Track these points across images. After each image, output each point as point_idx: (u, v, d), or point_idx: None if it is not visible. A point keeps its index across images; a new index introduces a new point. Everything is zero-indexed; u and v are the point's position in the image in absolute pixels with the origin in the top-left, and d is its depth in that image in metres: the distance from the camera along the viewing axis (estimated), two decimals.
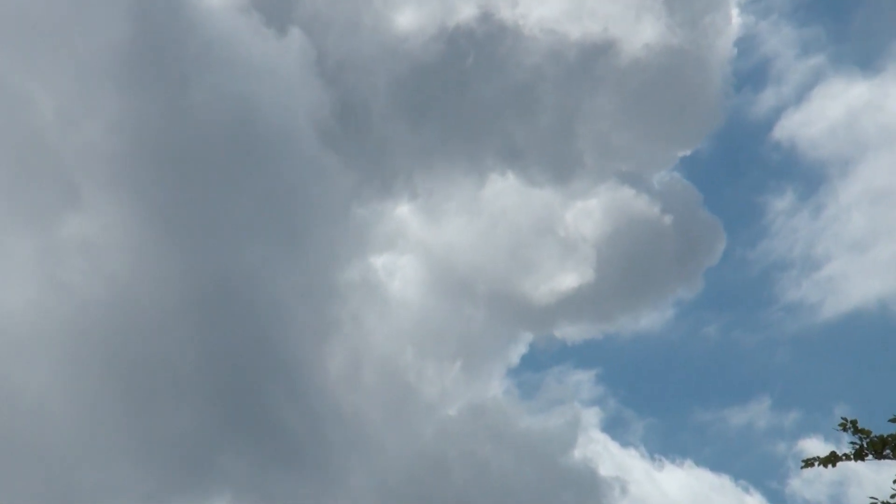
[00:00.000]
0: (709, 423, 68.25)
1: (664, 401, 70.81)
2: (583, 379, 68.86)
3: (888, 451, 16.11)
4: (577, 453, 52.62)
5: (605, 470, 54.15)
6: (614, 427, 67.84)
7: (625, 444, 64.62)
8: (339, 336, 50.49)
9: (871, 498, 15.75)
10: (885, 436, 16.06)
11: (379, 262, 56.17)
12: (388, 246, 57.10)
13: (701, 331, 71.74)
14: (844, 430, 16.18)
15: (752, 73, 75.23)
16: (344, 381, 50.09)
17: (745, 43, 72.91)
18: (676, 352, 72.03)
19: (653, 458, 62.02)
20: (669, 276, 58.26)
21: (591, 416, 64.89)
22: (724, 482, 61.80)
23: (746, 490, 61.33)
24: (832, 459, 16.34)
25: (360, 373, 51.09)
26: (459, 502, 49.23)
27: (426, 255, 58.37)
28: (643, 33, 55.96)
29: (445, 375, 54.33)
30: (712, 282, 68.47)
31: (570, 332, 60.44)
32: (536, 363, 69.41)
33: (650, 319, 68.72)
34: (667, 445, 70.99)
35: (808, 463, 16.29)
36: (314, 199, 51.45)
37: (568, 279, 55.60)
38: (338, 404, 49.03)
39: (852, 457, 16.25)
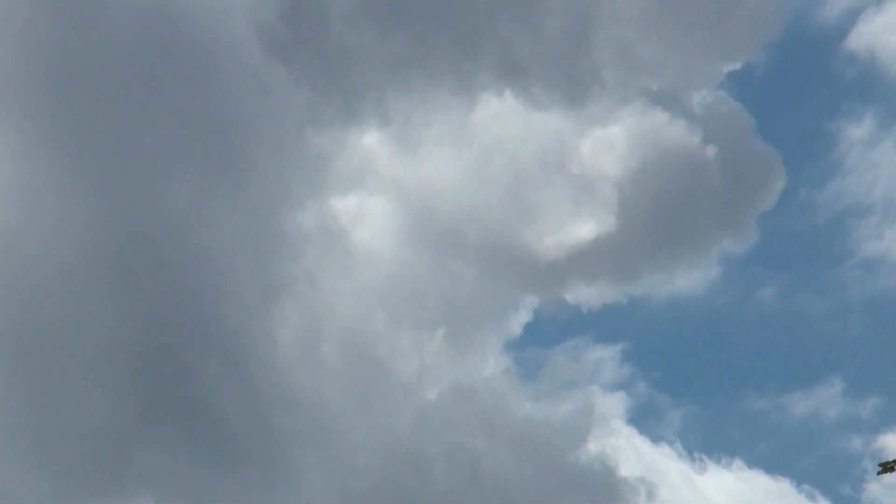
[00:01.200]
0: (764, 412, 67.17)
1: (707, 384, 69.61)
2: (604, 356, 67.69)
3: None
4: (592, 448, 52.29)
5: (626, 469, 53.43)
6: (644, 418, 66.84)
7: (656, 439, 62.80)
8: (291, 299, 50.41)
9: None
10: None
11: (341, 204, 55.45)
12: (352, 184, 56.37)
13: (754, 294, 70.59)
14: None
15: None
16: (297, 356, 50.13)
17: None
18: (723, 321, 70.81)
19: (692, 458, 61.41)
20: (713, 223, 57.98)
21: (615, 403, 64.25)
22: (782, 487, 61.10)
23: (811, 497, 60.87)
24: None
25: (318, 346, 50.97)
26: None
27: (401, 195, 57.69)
28: None
29: (425, 349, 53.66)
30: (768, 231, 67.65)
31: (586, 295, 59.71)
32: (543, 335, 67.63)
33: (689, 280, 67.62)
34: (710, 441, 68.32)
35: (887, 467, 15.46)
36: (258, 124, 51.63)
37: (583, 228, 55.12)
38: (289, 386, 49.06)
39: None
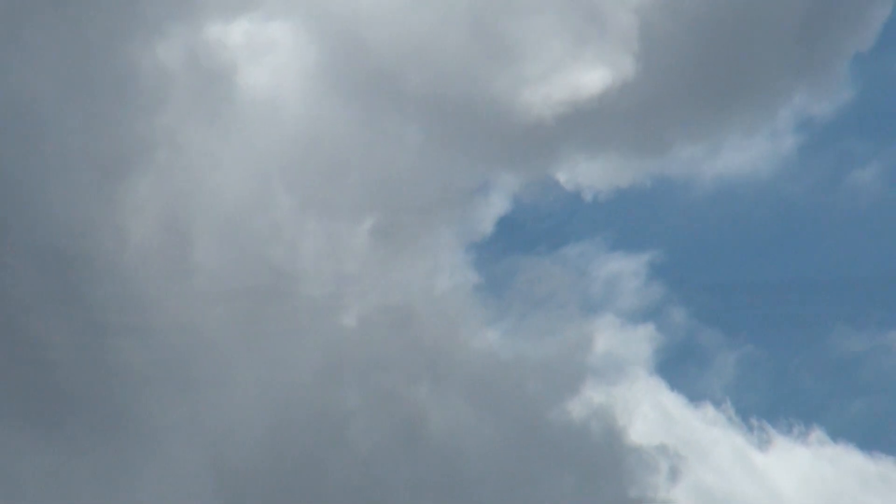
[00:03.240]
0: (859, 357, 65.37)
1: (775, 315, 67.55)
2: (621, 270, 65.79)
3: None
4: (591, 400, 51.51)
5: (640, 434, 52.10)
6: (678, 363, 64.27)
7: (695, 395, 61.24)
8: (146, 174, 50.92)
9: None
10: None
11: (223, 32, 54.03)
12: (241, 4, 54.77)
13: (846, 177, 69.29)
14: None
15: None
16: (154, 260, 50.57)
17: None
18: (799, 218, 69.65)
19: (748, 425, 60.06)
20: (784, 69, 55.85)
21: (637, 341, 61.55)
22: (884, 469, 59.61)
23: None
24: None
25: (185, 245, 51.20)
26: (369, 489, 49.29)
27: (313, 21, 55.74)
28: None
29: (345, 249, 52.82)
30: (866, 82, 65.55)
31: (589, 173, 57.49)
32: (524, 234, 65.55)
33: (747, 154, 66.12)
34: (777, 401, 66.72)
35: None
36: None
37: (586, 74, 53.44)
38: (142, 305, 49.69)
39: None
